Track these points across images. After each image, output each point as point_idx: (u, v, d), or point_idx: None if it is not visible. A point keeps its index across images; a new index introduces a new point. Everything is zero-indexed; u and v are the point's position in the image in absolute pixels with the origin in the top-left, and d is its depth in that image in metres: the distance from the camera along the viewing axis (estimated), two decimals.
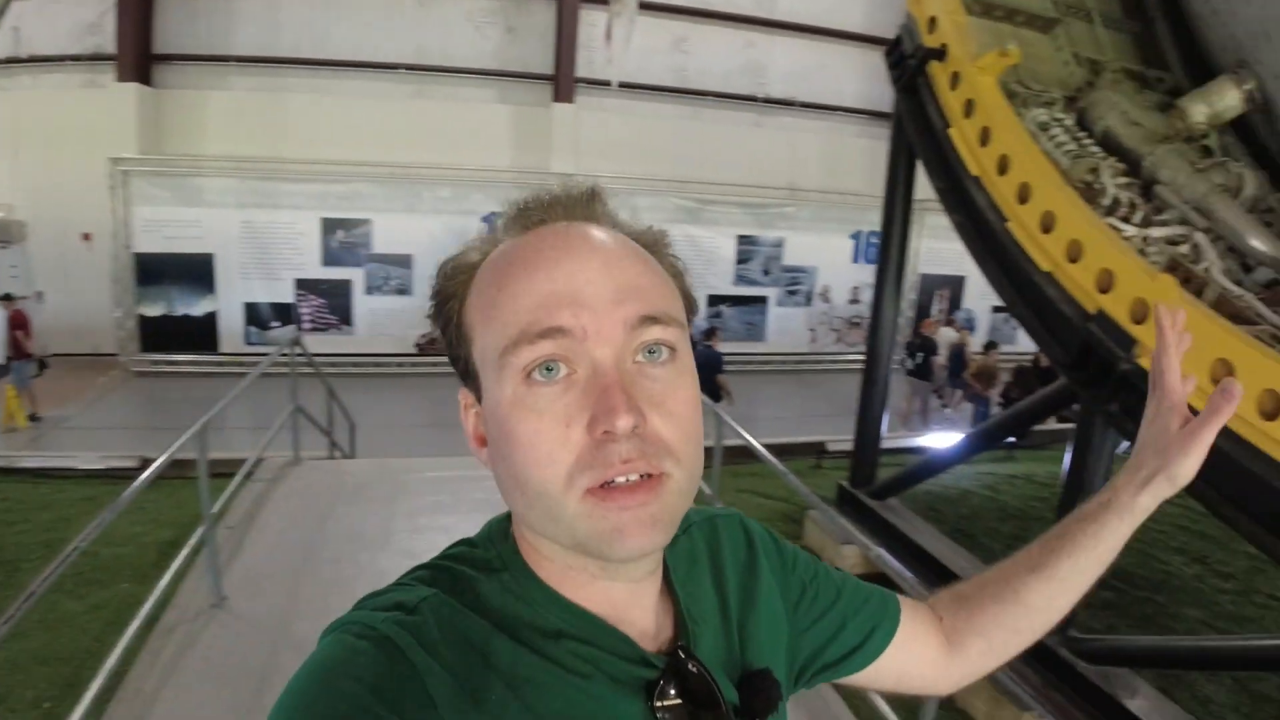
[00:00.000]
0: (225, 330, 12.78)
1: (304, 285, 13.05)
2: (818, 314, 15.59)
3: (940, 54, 4.59)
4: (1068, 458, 3.82)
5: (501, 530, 0.83)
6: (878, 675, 1.01)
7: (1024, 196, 3.86)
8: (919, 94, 4.88)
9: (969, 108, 4.32)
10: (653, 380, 0.71)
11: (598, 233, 0.75)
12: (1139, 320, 3.24)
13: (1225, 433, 2.84)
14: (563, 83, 13.75)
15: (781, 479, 3.94)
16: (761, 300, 15.56)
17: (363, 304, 13.34)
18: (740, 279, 15.40)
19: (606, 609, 0.77)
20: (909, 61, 4.92)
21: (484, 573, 0.78)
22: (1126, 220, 3.86)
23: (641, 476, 0.68)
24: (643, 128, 14.37)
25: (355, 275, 13.25)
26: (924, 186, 5.13)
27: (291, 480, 5.96)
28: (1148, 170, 4.06)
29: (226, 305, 12.74)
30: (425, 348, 13.49)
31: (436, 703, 0.65)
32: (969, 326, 14.49)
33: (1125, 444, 3.62)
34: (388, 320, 13.37)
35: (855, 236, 15.71)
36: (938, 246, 14.68)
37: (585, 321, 0.68)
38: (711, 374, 9.85)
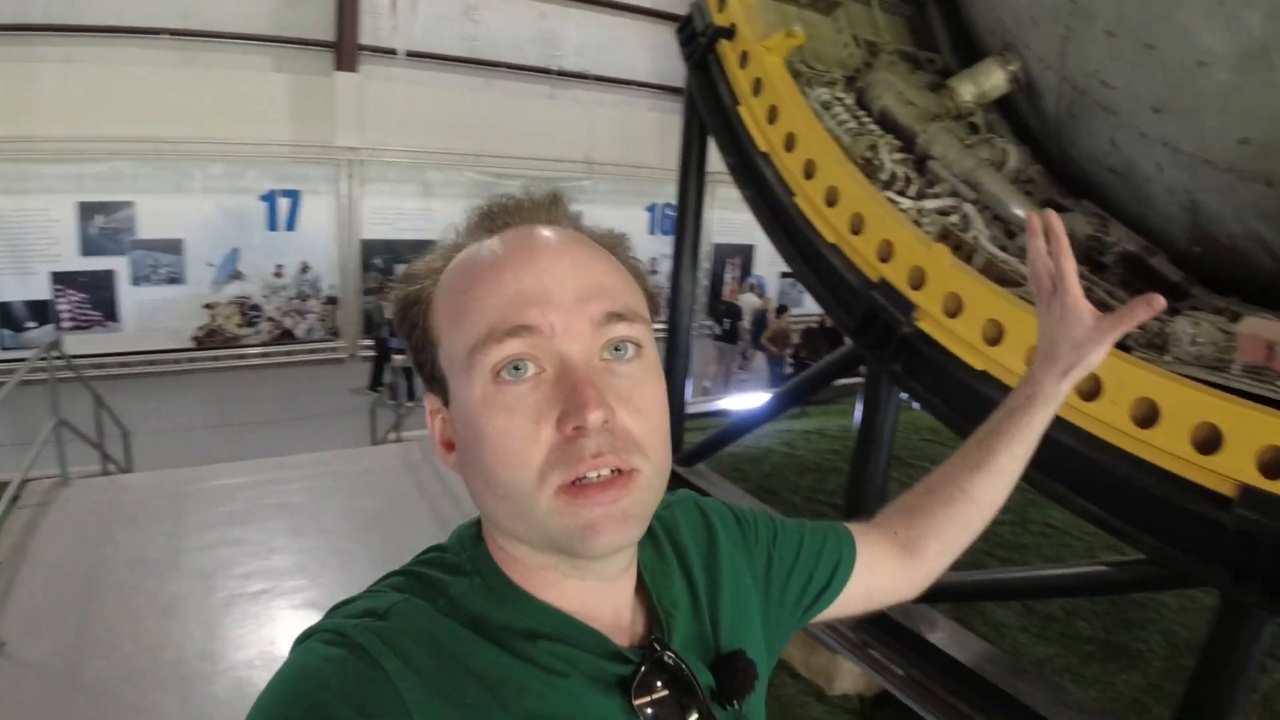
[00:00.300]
0: None
1: (61, 279, 11.69)
2: None
3: (730, 33, 4.67)
4: (858, 413, 4.04)
5: (472, 535, 0.82)
6: (846, 603, 1.06)
7: (809, 172, 4.00)
8: (709, 71, 4.96)
9: (757, 86, 4.42)
10: (620, 377, 0.73)
11: (562, 234, 0.78)
12: (917, 286, 3.45)
13: (996, 383, 3.11)
14: (346, 50, 12.95)
15: None
16: None
17: (129, 296, 12.12)
18: None
19: (580, 608, 0.77)
20: (699, 39, 4.98)
21: (455, 576, 0.77)
22: (903, 194, 4.11)
23: (612, 472, 0.69)
24: (433, 99, 13.81)
25: (119, 265, 12.01)
26: (716, 160, 5.24)
27: (62, 503, 5.36)
28: (921, 147, 4.33)
29: None
30: (204, 340, 12.45)
31: (410, 708, 0.64)
32: (761, 292, 15.19)
33: (906, 397, 3.87)
34: (159, 313, 12.24)
35: (651, 209, 16.02)
36: (729, 217, 15.21)
37: (553, 319, 0.70)
38: None
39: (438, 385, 0.78)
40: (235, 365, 12.85)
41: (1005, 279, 3.58)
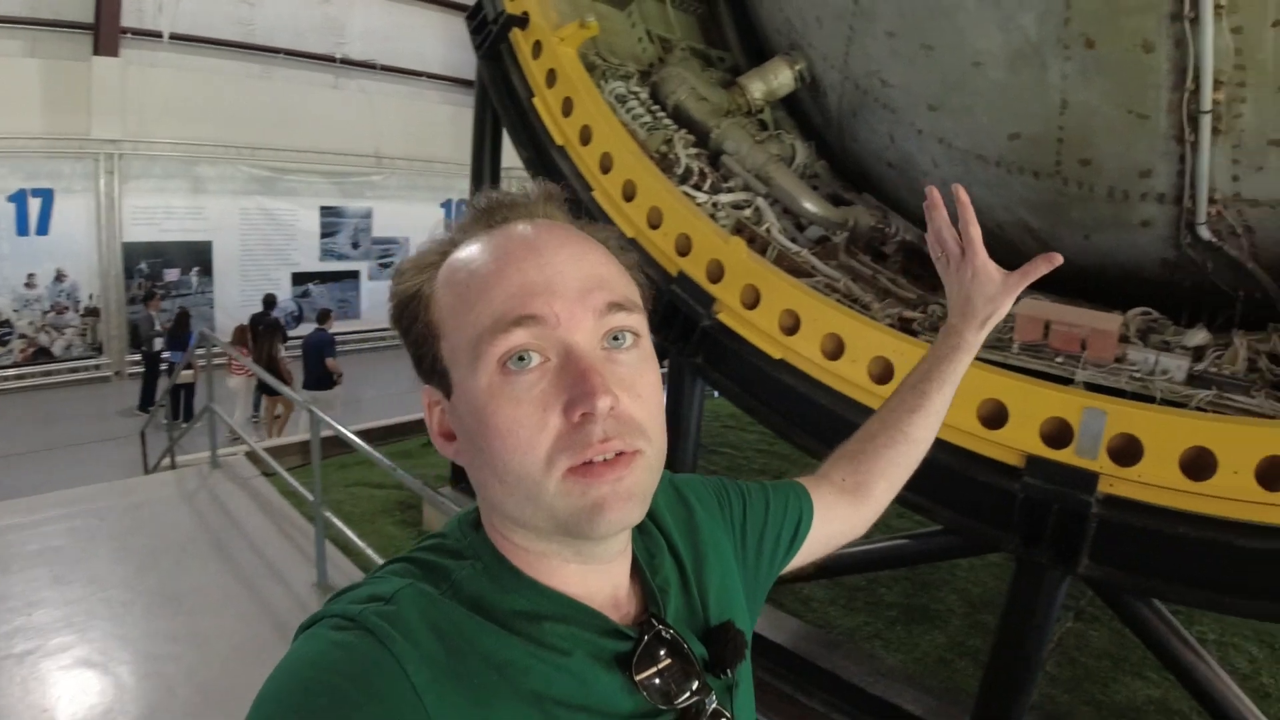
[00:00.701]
0: None
1: None
2: None
3: (523, 22, 4.56)
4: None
5: (471, 521, 0.85)
6: (809, 550, 1.16)
7: (606, 166, 3.97)
8: (502, 61, 4.82)
9: (551, 77, 4.34)
10: (620, 365, 0.75)
11: (561, 228, 0.80)
12: (715, 280, 3.49)
13: (793, 371, 3.19)
14: (105, 33, 11.70)
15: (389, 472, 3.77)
16: (353, 275, 14.86)
17: None
18: (327, 253, 14.55)
19: (580, 590, 0.80)
20: (491, 27, 4.82)
21: (457, 561, 0.79)
22: (698, 188, 4.15)
23: (616, 455, 0.72)
24: (204, 87, 12.71)
25: None
26: (511, 154, 5.10)
27: None
28: (714, 142, 4.40)
29: None
30: None
31: (419, 690, 0.66)
32: None
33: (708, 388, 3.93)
34: None
35: (446, 205, 15.59)
36: None
37: (558, 309, 0.73)
38: (321, 358, 9.39)
39: (438, 378, 0.80)
40: None
41: (797, 270, 3.69)
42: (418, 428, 8.53)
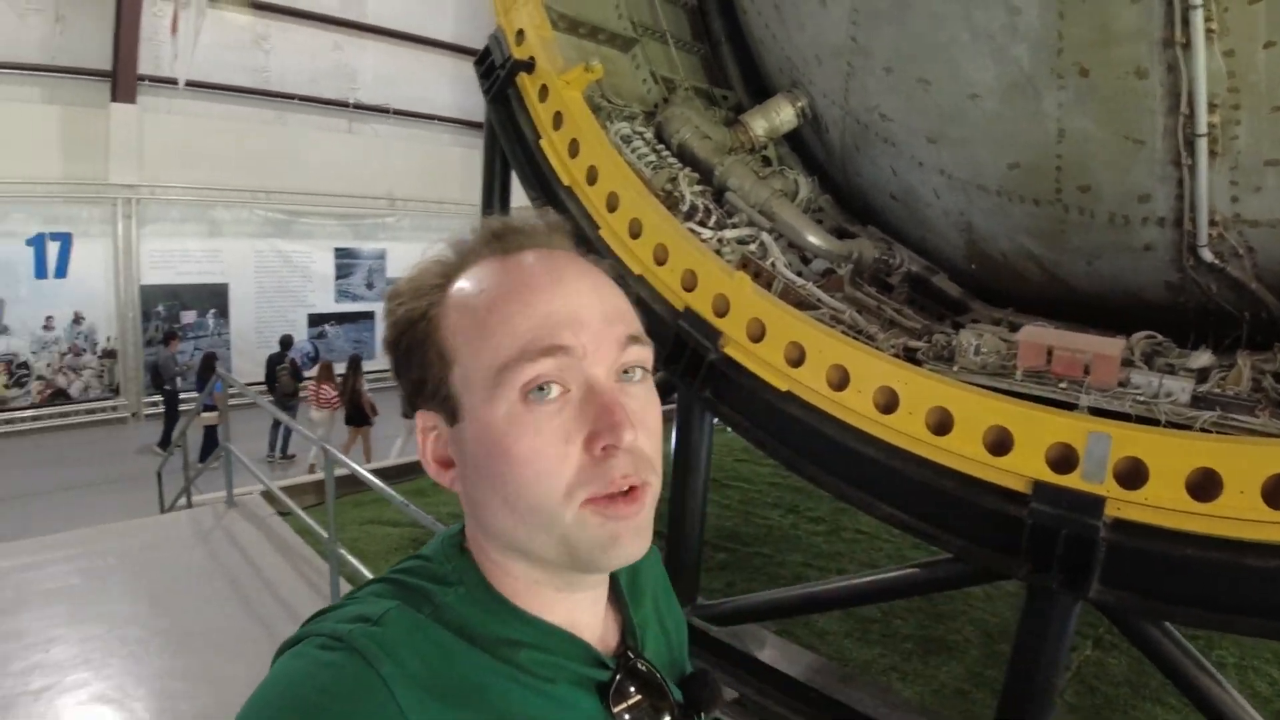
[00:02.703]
0: None
1: None
2: None
3: (529, 66, 4.65)
4: (674, 438, 4.08)
5: (455, 544, 0.84)
6: None
7: (613, 205, 4.03)
8: (510, 105, 4.91)
9: (558, 120, 4.42)
10: (631, 398, 0.76)
11: (578, 260, 0.81)
12: (722, 314, 3.52)
13: (800, 403, 3.21)
14: (123, 80, 11.98)
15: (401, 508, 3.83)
16: (369, 316, 14.97)
17: None
18: (343, 294, 14.70)
19: (563, 619, 0.80)
20: (498, 72, 4.92)
21: (441, 586, 0.78)
22: (703, 224, 4.21)
23: (630, 488, 0.73)
24: (219, 132, 12.99)
25: None
26: (520, 194, 5.18)
27: None
28: (719, 179, 4.47)
29: None
30: None
31: (405, 711, 0.66)
32: None
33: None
34: None
35: None
36: None
37: (585, 340, 0.73)
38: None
39: (441, 403, 0.78)
40: (2, 432, 11.52)
41: (803, 302, 3.74)
42: None
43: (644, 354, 0.78)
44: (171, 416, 11.40)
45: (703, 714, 0.87)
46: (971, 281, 4.21)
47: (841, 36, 3.80)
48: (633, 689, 0.81)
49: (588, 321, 0.74)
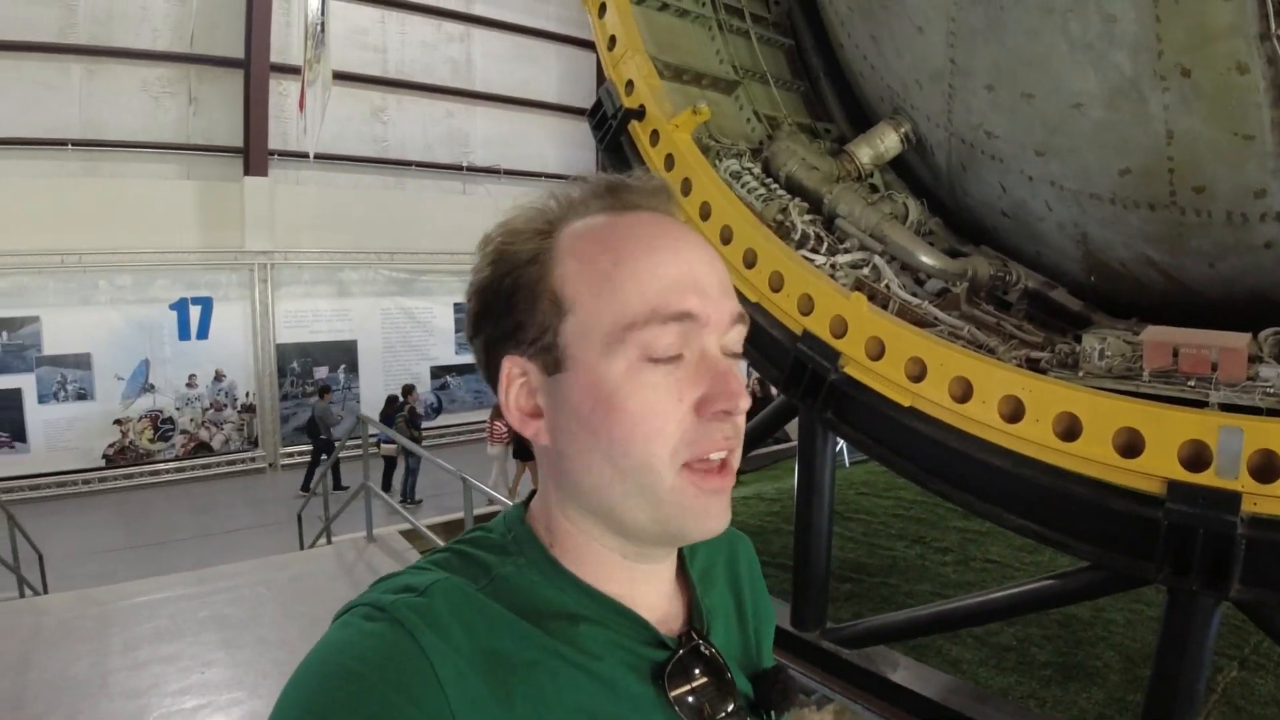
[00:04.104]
0: None
1: None
2: None
3: (640, 114, 4.88)
4: (796, 462, 4.15)
5: (517, 516, 0.83)
6: None
7: (726, 238, 4.17)
8: (623, 152, 5.15)
9: (670, 161, 4.61)
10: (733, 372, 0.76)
11: (691, 229, 0.80)
12: (839, 335, 3.60)
13: (924, 417, 3.25)
14: (254, 155, 12.95)
15: None
16: None
17: (36, 415, 11.56)
18: (462, 347, 15.27)
19: (627, 591, 0.79)
20: (611, 122, 5.18)
21: (501, 556, 0.78)
22: (816, 251, 4.30)
23: (723, 460, 0.74)
24: (344, 199, 13.90)
25: (25, 382, 11.48)
26: None
27: None
28: (828, 206, 4.56)
29: None
30: (114, 458, 11.92)
31: (443, 682, 0.65)
32: None
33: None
34: (68, 431, 11.70)
35: None
36: None
37: (710, 309, 0.74)
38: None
39: (540, 351, 0.76)
40: (149, 483, 12.36)
41: (920, 321, 3.77)
42: None
43: (744, 332, 0.79)
44: (315, 463, 12.02)
45: (772, 713, 0.85)
46: (1092, 294, 4.16)
47: (940, 59, 3.88)
48: (696, 670, 0.78)
49: (710, 290, 0.75)
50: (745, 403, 0.74)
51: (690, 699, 0.76)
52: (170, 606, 5.42)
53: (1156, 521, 2.59)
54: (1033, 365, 3.37)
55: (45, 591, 6.65)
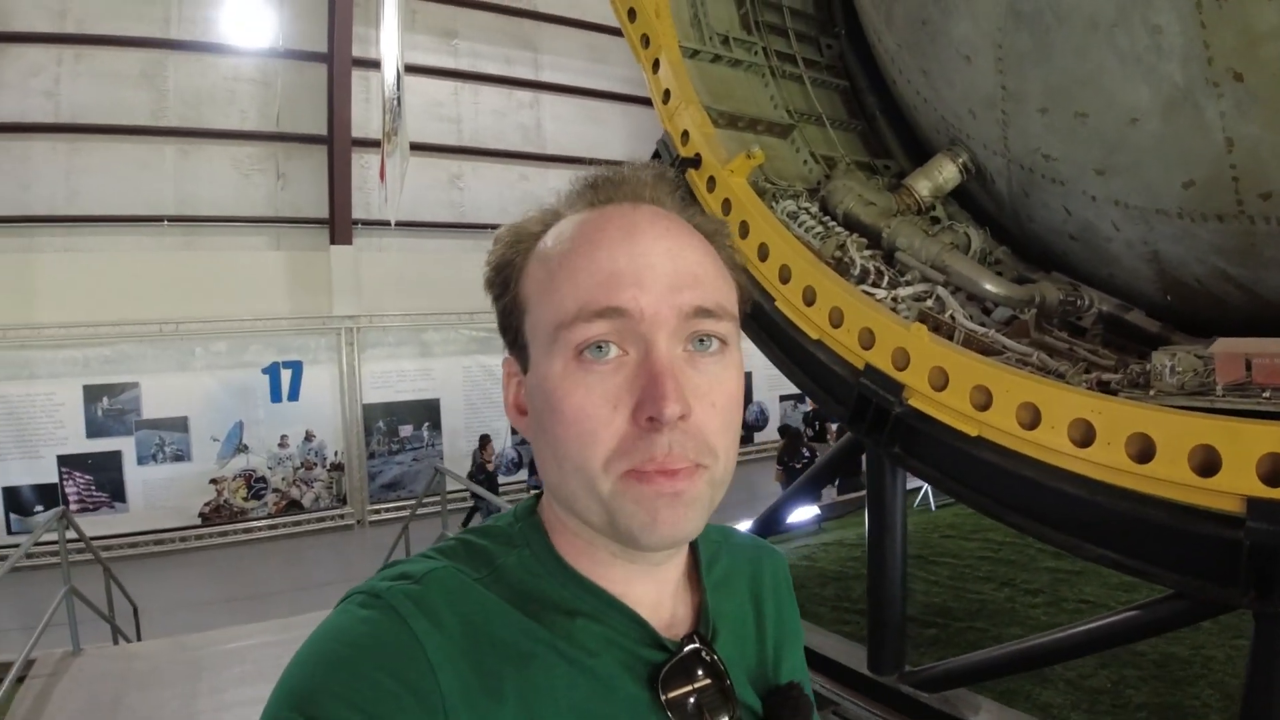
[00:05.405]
0: None
1: (67, 461, 11.66)
2: None
3: (696, 162, 4.96)
4: (866, 500, 4.08)
5: (528, 508, 0.84)
6: None
7: (785, 277, 4.17)
8: None
9: (726, 205, 4.66)
10: (700, 372, 0.72)
11: (663, 217, 0.76)
12: (902, 367, 3.55)
13: (992, 447, 3.16)
14: (339, 225, 13.53)
15: None
16: None
17: (135, 476, 12.10)
18: None
19: (624, 589, 0.77)
20: (669, 171, 5.27)
21: (505, 548, 0.78)
22: (876, 285, 4.27)
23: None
24: (425, 263, 14.32)
25: (125, 445, 12.05)
26: None
27: (73, 672, 5.28)
28: (887, 240, 4.54)
29: None
30: (210, 517, 12.41)
31: (435, 668, 0.66)
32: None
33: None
34: (165, 491, 12.21)
35: None
36: None
37: (644, 304, 0.70)
38: None
39: (519, 352, 0.79)
40: (243, 540, 12.78)
41: (987, 349, 3.70)
42: None
43: (717, 327, 0.73)
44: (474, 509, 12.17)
45: None
46: (1170, 314, 4.02)
47: (991, 86, 3.85)
48: (694, 676, 0.76)
49: (651, 284, 0.70)
50: (674, 409, 0.67)
51: (684, 704, 0.74)
52: (257, 652, 5.58)
53: (1238, 542, 2.46)
54: (1103, 387, 3.26)
55: (139, 639, 6.93)
